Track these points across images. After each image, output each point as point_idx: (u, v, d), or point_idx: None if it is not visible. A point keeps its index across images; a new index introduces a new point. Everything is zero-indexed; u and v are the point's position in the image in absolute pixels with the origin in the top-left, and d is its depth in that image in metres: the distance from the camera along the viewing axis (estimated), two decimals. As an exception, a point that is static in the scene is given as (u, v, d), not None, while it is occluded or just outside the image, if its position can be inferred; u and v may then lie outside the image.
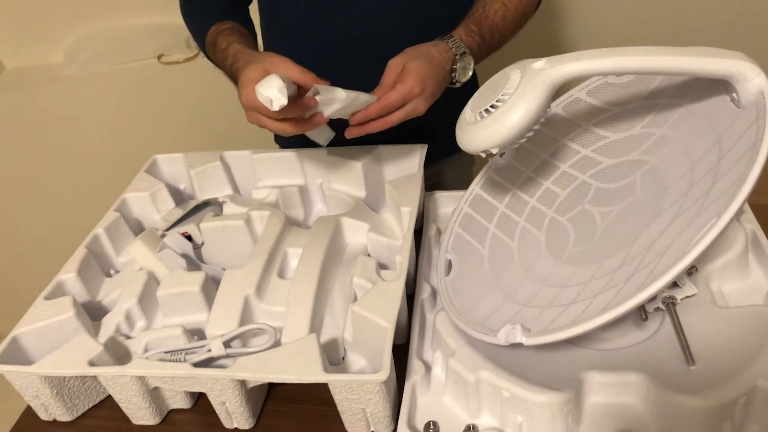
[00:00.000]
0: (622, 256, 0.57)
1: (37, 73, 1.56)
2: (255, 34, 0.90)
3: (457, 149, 0.61)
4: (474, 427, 0.57)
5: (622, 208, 0.62)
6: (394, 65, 0.70)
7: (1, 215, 1.68)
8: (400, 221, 0.75)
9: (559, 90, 0.59)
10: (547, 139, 0.72)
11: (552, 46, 1.51)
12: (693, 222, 0.51)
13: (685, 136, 0.60)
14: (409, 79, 0.68)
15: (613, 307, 0.49)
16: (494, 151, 0.57)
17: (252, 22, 0.91)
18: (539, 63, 0.56)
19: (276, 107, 0.59)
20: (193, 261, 0.75)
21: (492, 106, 0.57)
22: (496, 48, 0.82)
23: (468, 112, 0.59)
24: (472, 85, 0.75)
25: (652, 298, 0.60)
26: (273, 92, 0.59)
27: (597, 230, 0.63)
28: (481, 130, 0.57)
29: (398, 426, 0.56)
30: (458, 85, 0.76)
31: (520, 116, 0.55)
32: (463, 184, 1.00)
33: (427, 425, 0.57)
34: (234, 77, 0.75)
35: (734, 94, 0.55)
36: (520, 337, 0.54)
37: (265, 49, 0.96)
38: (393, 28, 0.87)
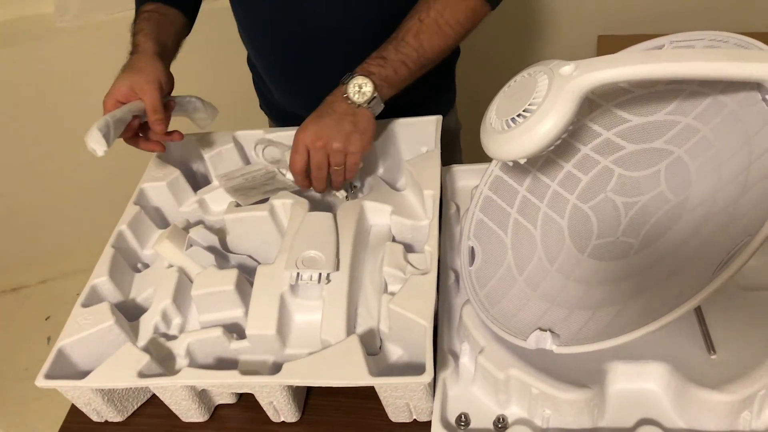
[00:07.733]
0: (650, 256, 0.58)
1: (29, 26, 1.50)
2: (190, 13, 0.89)
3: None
4: (504, 418, 0.61)
5: (645, 201, 0.63)
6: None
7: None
8: (421, 201, 0.76)
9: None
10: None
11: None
12: (724, 233, 0.52)
13: (712, 130, 0.60)
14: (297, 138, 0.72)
15: (655, 316, 0.49)
16: (522, 161, 0.57)
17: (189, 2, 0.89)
18: (567, 68, 0.55)
19: (99, 154, 0.68)
20: (220, 252, 0.76)
21: (520, 115, 0.56)
22: (432, 58, 0.77)
23: (494, 118, 0.58)
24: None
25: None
26: (91, 143, 0.67)
27: (621, 223, 0.64)
28: (511, 140, 0.56)
29: (432, 422, 0.60)
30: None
31: (550, 127, 0.54)
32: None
33: (459, 418, 0.61)
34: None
35: (767, 96, 0.54)
36: (550, 345, 0.56)
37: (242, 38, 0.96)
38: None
